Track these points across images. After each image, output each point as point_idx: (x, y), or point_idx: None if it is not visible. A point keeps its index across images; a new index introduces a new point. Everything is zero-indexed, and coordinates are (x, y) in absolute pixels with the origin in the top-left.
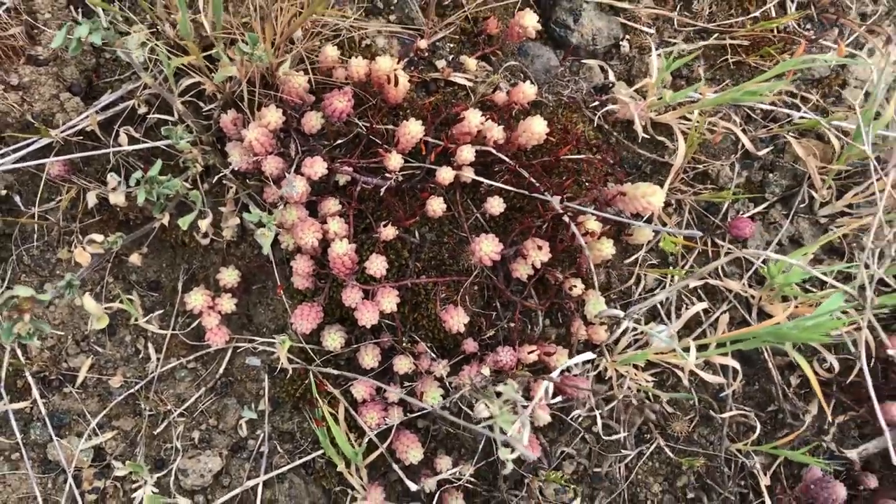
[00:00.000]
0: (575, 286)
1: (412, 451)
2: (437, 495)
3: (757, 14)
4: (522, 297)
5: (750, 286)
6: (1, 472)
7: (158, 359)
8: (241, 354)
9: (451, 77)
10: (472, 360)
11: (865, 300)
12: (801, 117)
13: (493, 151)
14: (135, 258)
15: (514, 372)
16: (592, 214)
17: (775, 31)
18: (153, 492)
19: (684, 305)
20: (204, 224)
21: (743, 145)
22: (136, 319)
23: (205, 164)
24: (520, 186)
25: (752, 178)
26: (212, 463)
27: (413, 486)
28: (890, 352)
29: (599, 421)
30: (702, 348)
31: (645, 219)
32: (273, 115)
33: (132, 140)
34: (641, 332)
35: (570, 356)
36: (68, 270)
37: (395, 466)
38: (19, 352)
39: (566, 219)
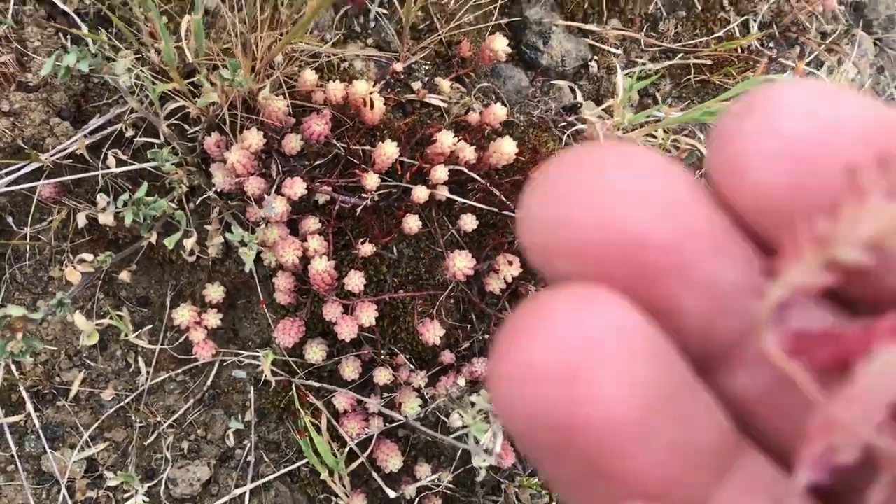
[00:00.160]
0: None
1: (392, 460)
2: (416, 501)
3: (721, 34)
4: (497, 309)
5: None
6: None
7: (148, 372)
8: (228, 367)
9: (427, 98)
10: (450, 370)
11: None
12: None
13: (466, 171)
14: (124, 276)
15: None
16: None
17: (739, 49)
18: (144, 501)
19: None
20: (189, 243)
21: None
22: (127, 335)
23: (190, 184)
24: (491, 204)
25: None
26: (200, 472)
27: (392, 494)
28: None
29: None
30: None
31: None
32: (254, 138)
33: (120, 162)
34: None
35: None
36: (60, 288)
37: (375, 475)
38: (13, 368)
39: None
